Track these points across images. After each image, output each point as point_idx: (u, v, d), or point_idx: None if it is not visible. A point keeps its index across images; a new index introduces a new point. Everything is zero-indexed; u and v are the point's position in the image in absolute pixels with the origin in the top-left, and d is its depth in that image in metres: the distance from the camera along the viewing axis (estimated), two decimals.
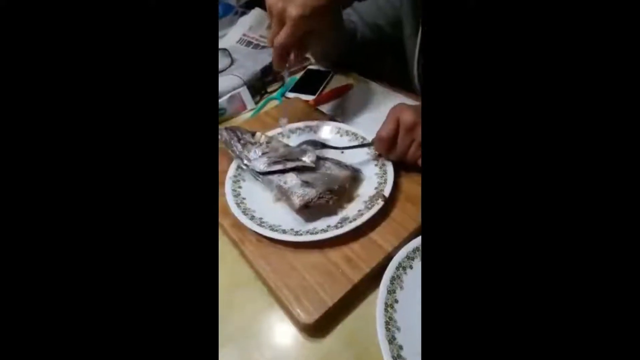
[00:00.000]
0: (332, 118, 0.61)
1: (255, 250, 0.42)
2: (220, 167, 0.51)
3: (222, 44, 0.84)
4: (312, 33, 0.49)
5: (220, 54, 0.77)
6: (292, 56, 0.49)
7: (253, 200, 0.47)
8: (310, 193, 0.42)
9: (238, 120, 0.68)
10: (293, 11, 0.45)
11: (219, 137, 0.51)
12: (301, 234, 0.41)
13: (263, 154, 0.47)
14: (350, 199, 0.46)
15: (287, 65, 0.49)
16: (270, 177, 0.46)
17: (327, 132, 0.55)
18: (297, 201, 0.42)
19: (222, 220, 0.45)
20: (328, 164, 0.46)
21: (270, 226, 0.42)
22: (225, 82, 0.69)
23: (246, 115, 0.69)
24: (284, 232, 0.41)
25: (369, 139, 0.52)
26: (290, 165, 0.45)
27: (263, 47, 0.81)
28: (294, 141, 0.55)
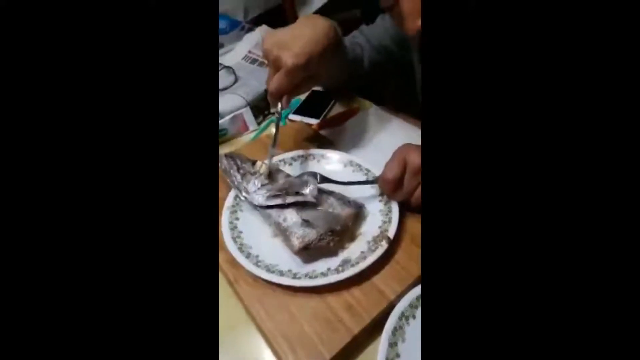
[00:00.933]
0: (335, 144, 0.59)
1: (250, 290, 0.40)
2: (219, 194, 0.49)
3: (226, 60, 0.82)
4: (310, 77, 0.49)
5: (224, 72, 0.75)
6: (284, 100, 0.47)
7: (250, 233, 0.44)
8: (311, 234, 0.40)
9: (239, 142, 0.66)
10: (288, 61, 0.44)
11: (219, 164, 0.49)
12: (299, 278, 0.39)
13: (262, 185, 0.45)
14: (352, 237, 0.43)
15: (280, 104, 0.48)
16: (269, 210, 0.44)
17: (330, 161, 0.53)
18: (296, 243, 0.40)
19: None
20: (331, 199, 0.44)
21: (266, 266, 0.40)
22: (228, 102, 0.67)
23: (248, 136, 0.67)
24: (282, 274, 0.39)
25: (374, 171, 0.50)
26: (290, 200, 0.43)
27: None
28: (295, 169, 0.53)
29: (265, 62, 0.82)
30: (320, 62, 0.47)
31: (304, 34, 0.46)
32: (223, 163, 0.48)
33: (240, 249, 0.42)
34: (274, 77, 0.45)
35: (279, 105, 0.48)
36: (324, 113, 0.68)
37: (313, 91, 0.74)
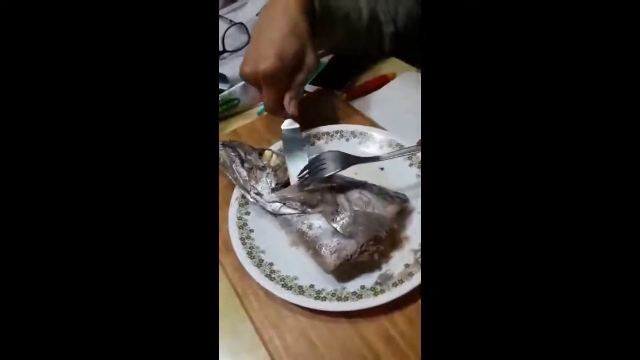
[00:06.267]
0: (368, 119, 0.48)
1: (261, 309, 0.32)
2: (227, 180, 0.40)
3: (239, 17, 0.71)
4: (298, 69, 0.41)
5: (235, 30, 0.64)
6: (287, 105, 0.40)
7: (264, 233, 0.35)
8: (349, 246, 0.30)
9: (252, 114, 0.56)
10: (260, 69, 0.38)
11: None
12: (324, 298, 0.30)
13: (277, 184, 0.35)
14: (393, 243, 0.34)
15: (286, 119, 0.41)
16: (288, 216, 0.34)
17: (362, 140, 0.43)
18: (330, 260, 0.30)
19: (223, 259, 0.35)
20: (367, 194, 0.34)
21: (282, 279, 0.32)
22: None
23: (261, 108, 0.57)
24: (302, 291, 0.31)
25: (420, 153, 0.40)
26: (317, 210, 0.33)
27: None
28: (318, 150, 0.43)
29: None
30: (299, 51, 0.40)
31: (264, 36, 0.40)
32: (221, 155, 0.38)
33: (250, 253, 0.34)
34: (262, 95, 0.41)
35: (285, 121, 0.40)
36: (349, 82, 0.56)
37: (335, 56, 0.61)
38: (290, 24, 0.40)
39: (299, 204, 0.34)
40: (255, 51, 0.40)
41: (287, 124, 0.40)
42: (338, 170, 0.34)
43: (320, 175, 0.34)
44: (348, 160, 0.35)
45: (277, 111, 0.41)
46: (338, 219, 0.32)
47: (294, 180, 0.36)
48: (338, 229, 0.31)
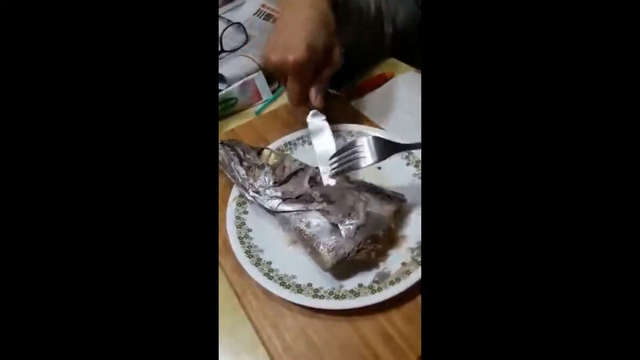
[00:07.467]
0: (366, 118, 0.48)
1: (260, 308, 0.32)
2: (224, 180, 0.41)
3: (237, 16, 0.71)
4: (326, 62, 0.40)
5: (232, 29, 0.64)
6: (313, 98, 0.40)
7: (262, 233, 0.36)
8: (347, 245, 0.30)
9: (250, 113, 0.56)
10: (289, 59, 0.37)
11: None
12: (322, 296, 0.30)
13: (275, 183, 0.36)
14: (391, 241, 0.34)
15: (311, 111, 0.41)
16: (286, 214, 0.34)
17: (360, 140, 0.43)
18: (328, 257, 0.30)
19: (221, 258, 0.35)
20: (364, 193, 0.34)
21: (281, 277, 0.32)
22: (238, 64, 0.57)
23: (259, 107, 0.57)
24: (300, 289, 0.31)
25: (417, 153, 0.40)
26: (318, 207, 0.33)
27: None
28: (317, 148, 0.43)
29: None
30: (328, 45, 0.39)
31: (292, 26, 0.39)
32: (220, 154, 0.38)
33: (249, 252, 0.34)
34: (287, 86, 0.40)
35: (311, 112, 0.40)
36: (347, 81, 0.56)
37: None
38: (320, 16, 0.39)
39: (317, 193, 0.33)
40: (283, 40, 0.38)
41: (313, 115, 0.40)
42: (376, 160, 0.33)
43: (356, 164, 0.34)
44: (389, 147, 0.33)
45: (300, 103, 0.40)
46: (347, 222, 0.32)
47: (323, 171, 0.36)
48: (343, 232, 0.31)
